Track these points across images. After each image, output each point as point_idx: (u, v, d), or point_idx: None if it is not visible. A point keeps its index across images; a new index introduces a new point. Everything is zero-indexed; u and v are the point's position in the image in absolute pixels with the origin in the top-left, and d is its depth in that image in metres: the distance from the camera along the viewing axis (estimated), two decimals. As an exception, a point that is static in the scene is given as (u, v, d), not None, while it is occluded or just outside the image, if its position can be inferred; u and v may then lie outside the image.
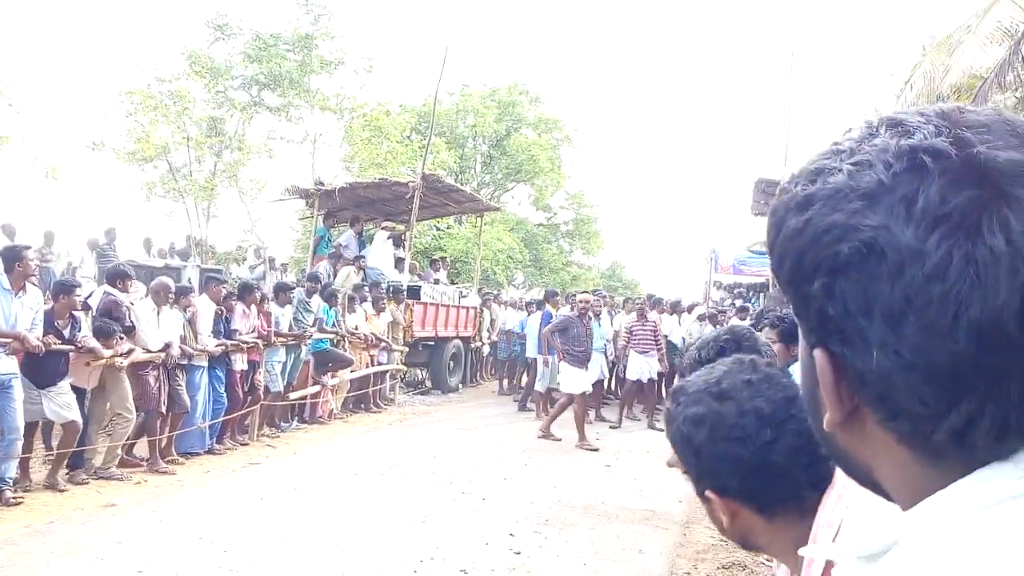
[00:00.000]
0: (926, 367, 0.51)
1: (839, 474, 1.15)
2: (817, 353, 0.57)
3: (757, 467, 1.12)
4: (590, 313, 9.79)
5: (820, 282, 0.54)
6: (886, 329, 0.51)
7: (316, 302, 9.85)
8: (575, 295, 12.10)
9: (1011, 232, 0.49)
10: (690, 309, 13.79)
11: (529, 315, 13.24)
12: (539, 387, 11.56)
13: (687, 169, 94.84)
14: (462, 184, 19.70)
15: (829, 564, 0.95)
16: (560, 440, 9.06)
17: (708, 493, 1.17)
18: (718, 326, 12.49)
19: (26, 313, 5.82)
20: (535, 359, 11.68)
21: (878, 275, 0.51)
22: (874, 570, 0.55)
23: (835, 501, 1.11)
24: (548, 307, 12.05)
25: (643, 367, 10.84)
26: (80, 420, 6.32)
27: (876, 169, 0.53)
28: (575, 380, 9.32)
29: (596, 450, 8.88)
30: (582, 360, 9.36)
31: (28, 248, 6.14)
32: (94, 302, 7.16)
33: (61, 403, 6.17)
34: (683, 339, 12.64)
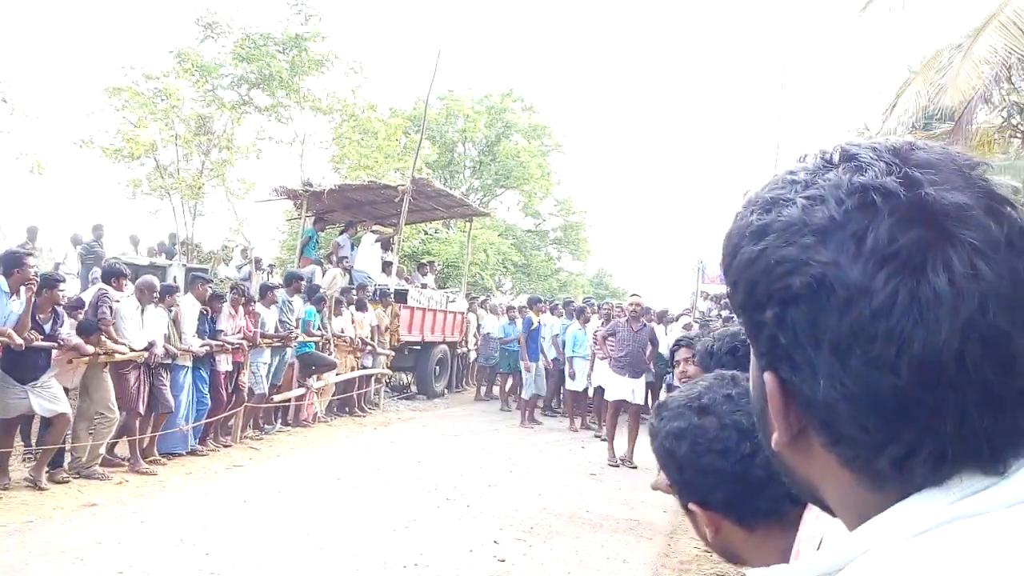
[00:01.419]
0: (869, 398, 0.53)
1: None
2: (767, 376, 0.59)
3: (737, 479, 1.13)
4: (642, 319, 9.27)
5: (772, 311, 0.57)
6: (833, 360, 0.54)
7: (298, 302, 9.77)
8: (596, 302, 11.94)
9: (954, 273, 0.51)
10: (677, 318, 13.82)
11: (511, 321, 13.14)
12: (524, 394, 11.57)
13: (675, 179, 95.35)
14: (451, 189, 19.69)
15: None
16: (636, 467, 8.53)
17: (691, 506, 1.18)
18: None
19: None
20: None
21: (827, 309, 0.53)
22: None
23: (816, 515, 1.11)
24: (531, 314, 12.00)
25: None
26: (70, 412, 6.27)
27: (828, 205, 0.55)
28: (614, 386, 8.95)
29: (635, 467, 8.56)
30: (623, 366, 8.91)
31: (30, 255, 6.11)
32: (88, 298, 7.12)
33: (48, 396, 6.10)
34: (669, 348, 12.64)
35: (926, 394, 0.52)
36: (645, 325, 9.35)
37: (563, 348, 11.54)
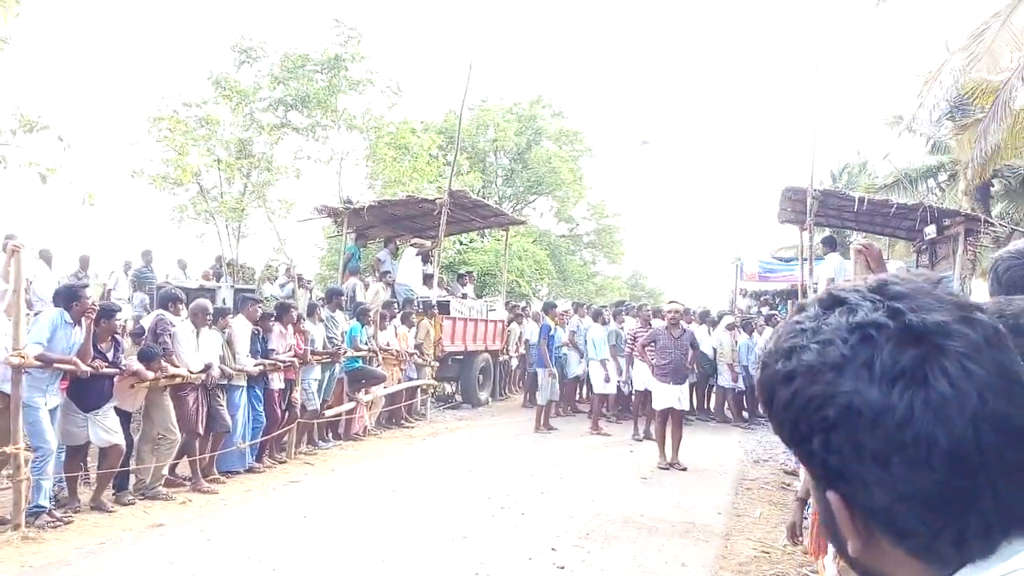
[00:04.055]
0: (917, 495, 0.63)
1: None
2: (830, 495, 0.70)
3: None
4: (682, 324, 9.21)
5: (817, 441, 0.67)
6: (878, 470, 0.64)
7: (340, 317, 9.97)
8: (648, 307, 11.90)
9: (951, 377, 0.63)
10: (720, 318, 13.75)
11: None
12: (539, 399, 11.40)
13: (710, 176, 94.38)
14: (484, 198, 19.83)
15: None
16: (685, 469, 8.50)
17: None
18: (753, 333, 12.48)
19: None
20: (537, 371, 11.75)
21: (860, 428, 0.64)
22: None
23: None
24: (547, 320, 11.96)
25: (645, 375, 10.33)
26: (123, 444, 6.46)
27: (836, 345, 0.67)
28: (660, 395, 8.87)
29: (684, 469, 8.50)
30: (666, 374, 8.84)
31: (85, 287, 6.40)
32: (147, 323, 7.38)
33: (105, 427, 6.31)
34: (713, 349, 12.61)
35: (961, 480, 0.62)
36: (685, 330, 9.30)
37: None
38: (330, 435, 9.86)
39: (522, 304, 17.66)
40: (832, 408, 0.65)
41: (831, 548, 3.18)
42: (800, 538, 3.89)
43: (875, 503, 0.65)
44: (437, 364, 12.47)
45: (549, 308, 12.52)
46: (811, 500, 3.44)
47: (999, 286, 2.03)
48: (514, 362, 16.08)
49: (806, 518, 4.83)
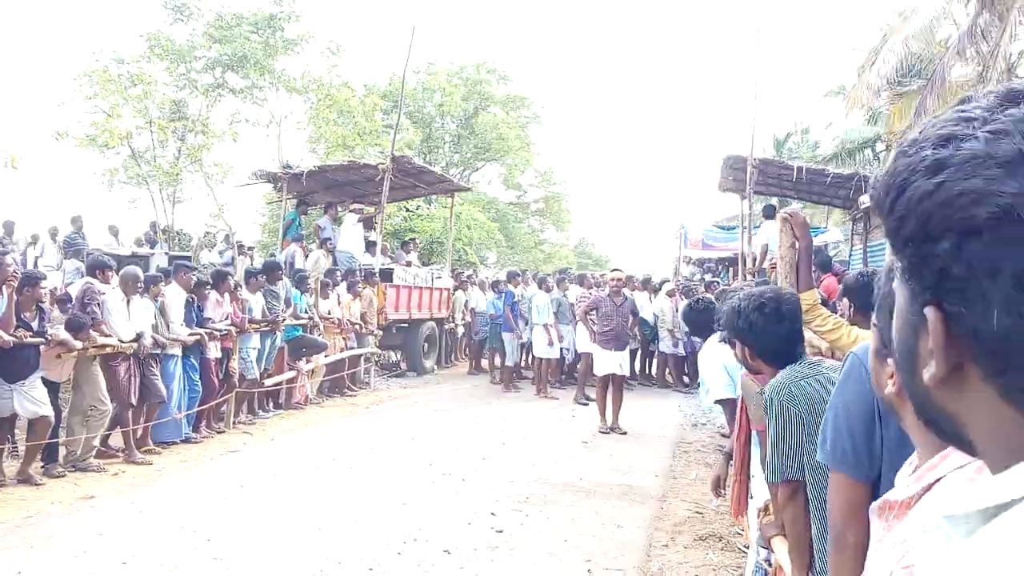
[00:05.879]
0: None
1: None
2: (929, 311, 0.59)
3: None
4: (624, 292, 9.33)
5: (948, 243, 0.56)
6: (1012, 291, 0.53)
7: (281, 286, 9.72)
8: (601, 275, 12.29)
9: None
10: (660, 286, 13.93)
11: (499, 295, 13.23)
12: (508, 362, 12.09)
13: (655, 145, 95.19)
14: (431, 164, 19.60)
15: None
16: (625, 433, 8.67)
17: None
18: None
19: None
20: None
21: (1011, 240, 0.53)
22: (972, 536, 0.56)
23: None
24: (510, 287, 12.38)
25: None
26: (52, 415, 6.26)
27: (1015, 138, 0.54)
28: (602, 362, 9.01)
29: (624, 433, 8.68)
30: (608, 340, 8.96)
31: (6, 254, 6.13)
32: (74, 292, 7.13)
33: (32, 398, 6.10)
34: (655, 315, 12.78)
35: None
36: (627, 298, 9.44)
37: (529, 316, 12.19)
38: (270, 404, 9.74)
39: (468, 272, 17.61)
40: (985, 208, 0.54)
41: (751, 503, 3.26)
42: (723, 491, 3.99)
43: (990, 327, 0.54)
44: (380, 332, 12.38)
45: (512, 276, 13.16)
46: (731, 460, 3.52)
47: None
48: (460, 330, 16.08)
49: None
